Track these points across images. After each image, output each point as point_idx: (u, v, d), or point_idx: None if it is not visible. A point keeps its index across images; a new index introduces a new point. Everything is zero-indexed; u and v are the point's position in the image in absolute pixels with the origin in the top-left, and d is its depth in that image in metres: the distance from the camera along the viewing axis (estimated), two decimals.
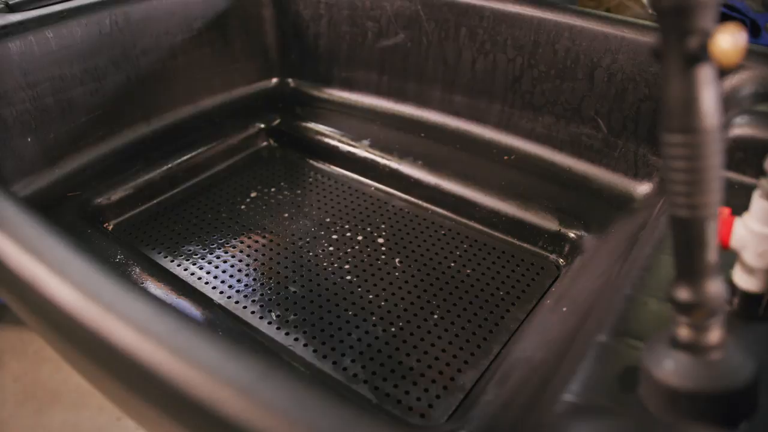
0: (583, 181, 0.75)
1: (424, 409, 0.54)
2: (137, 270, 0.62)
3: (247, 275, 0.70)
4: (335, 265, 0.71)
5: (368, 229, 0.76)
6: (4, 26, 0.67)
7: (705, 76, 0.25)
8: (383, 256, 0.72)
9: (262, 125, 0.93)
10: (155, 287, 0.60)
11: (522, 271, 0.70)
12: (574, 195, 0.71)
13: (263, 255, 0.73)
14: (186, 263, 0.71)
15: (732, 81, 0.61)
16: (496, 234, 0.75)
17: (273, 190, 0.83)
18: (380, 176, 0.83)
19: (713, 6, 0.24)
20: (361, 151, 0.85)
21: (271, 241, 0.75)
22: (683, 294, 0.28)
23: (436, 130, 0.88)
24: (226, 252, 0.73)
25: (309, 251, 0.73)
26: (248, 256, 0.73)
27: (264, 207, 0.81)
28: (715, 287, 0.28)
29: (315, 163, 0.89)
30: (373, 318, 0.64)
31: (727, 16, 0.90)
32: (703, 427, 0.29)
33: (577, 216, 0.72)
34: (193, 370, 0.33)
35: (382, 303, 0.65)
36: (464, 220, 0.76)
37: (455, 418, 0.49)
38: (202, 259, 0.72)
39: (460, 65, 0.84)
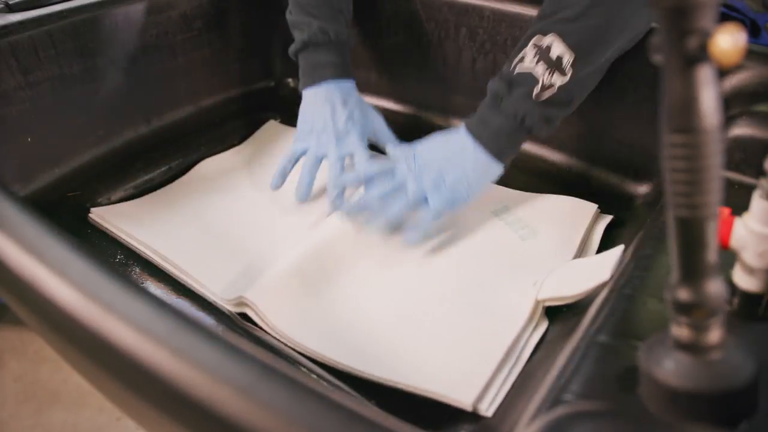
0: (582, 181, 0.75)
1: (424, 409, 0.54)
2: (137, 270, 0.62)
3: None
4: None
5: None
6: (4, 26, 0.67)
7: (705, 76, 0.25)
8: None
9: None
10: (155, 287, 0.60)
11: None
12: (573, 195, 0.71)
13: None
14: None
15: (732, 81, 0.61)
16: None
17: None
18: None
19: (713, 6, 0.24)
20: None
21: None
22: (683, 294, 0.28)
23: (436, 130, 0.88)
24: None
25: None
26: None
27: None
28: (715, 287, 0.28)
29: None
30: None
31: (727, 16, 0.90)
32: (703, 427, 0.29)
33: None
34: (193, 370, 0.33)
35: None
36: None
37: (455, 418, 0.49)
38: None
39: (460, 65, 0.84)
